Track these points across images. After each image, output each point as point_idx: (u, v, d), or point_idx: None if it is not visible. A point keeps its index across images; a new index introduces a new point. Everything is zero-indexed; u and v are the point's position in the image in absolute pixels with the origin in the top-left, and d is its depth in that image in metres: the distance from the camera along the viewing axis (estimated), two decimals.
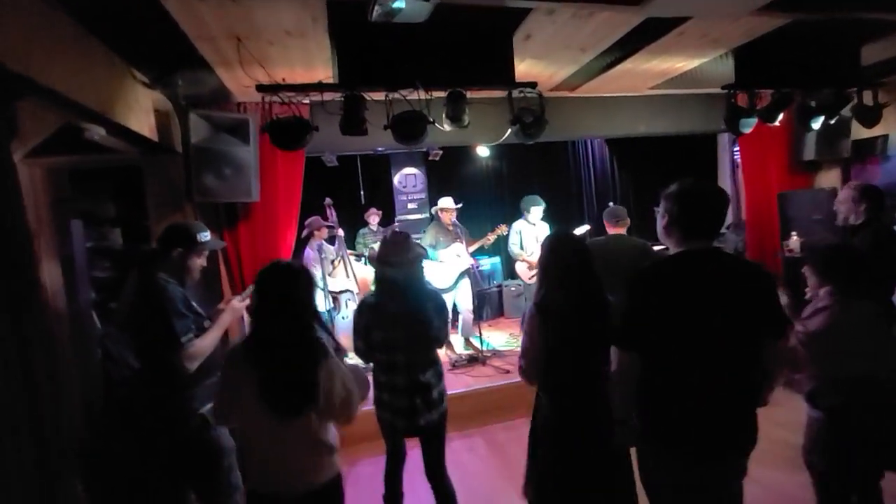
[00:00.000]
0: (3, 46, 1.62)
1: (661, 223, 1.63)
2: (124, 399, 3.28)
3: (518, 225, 5.11)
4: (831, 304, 1.94)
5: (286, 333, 1.59)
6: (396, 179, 7.06)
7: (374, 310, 2.25)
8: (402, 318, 2.20)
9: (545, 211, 5.08)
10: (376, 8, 1.79)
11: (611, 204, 5.27)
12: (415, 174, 7.09)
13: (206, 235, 2.19)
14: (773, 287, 1.56)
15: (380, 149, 4.91)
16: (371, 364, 2.37)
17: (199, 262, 2.19)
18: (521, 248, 5.09)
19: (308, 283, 1.69)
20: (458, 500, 2.40)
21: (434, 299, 2.32)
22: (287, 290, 1.62)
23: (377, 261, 2.29)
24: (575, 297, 1.92)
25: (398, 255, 2.21)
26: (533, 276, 5.03)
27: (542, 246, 2.06)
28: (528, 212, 5.00)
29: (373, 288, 2.68)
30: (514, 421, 3.90)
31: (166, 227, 2.20)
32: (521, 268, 5.19)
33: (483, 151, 6.77)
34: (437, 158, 6.49)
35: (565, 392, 1.97)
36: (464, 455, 3.54)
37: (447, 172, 7.03)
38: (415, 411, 2.23)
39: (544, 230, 5.08)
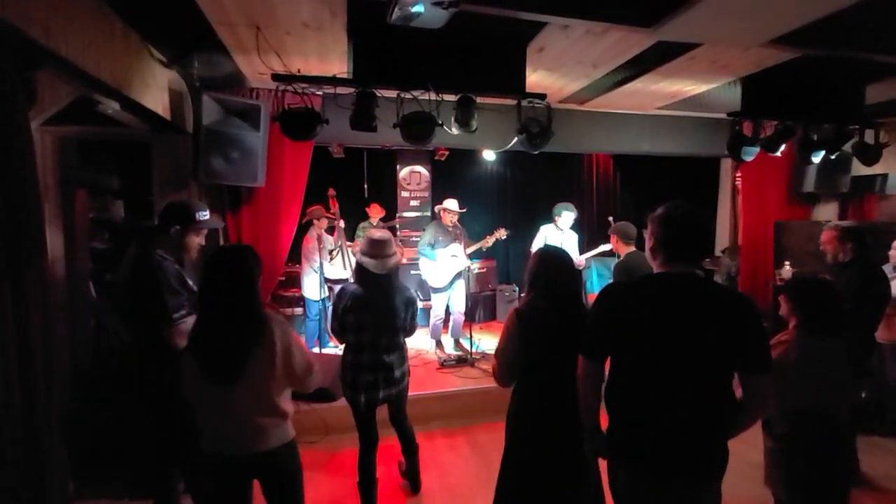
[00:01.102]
0: (24, 15, 1.66)
1: (647, 245, 1.67)
2: (113, 370, 3.32)
3: (546, 229, 5.08)
4: (793, 338, 1.99)
5: (224, 308, 1.71)
6: (401, 176, 7.09)
7: (350, 295, 2.52)
8: (373, 305, 2.49)
9: (575, 220, 5.05)
10: (396, 11, 1.83)
11: (611, 219, 5.33)
12: (420, 172, 7.13)
13: (204, 214, 2.23)
14: (756, 319, 1.53)
15: (387, 145, 4.95)
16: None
17: (198, 240, 2.23)
18: None
19: (251, 264, 1.77)
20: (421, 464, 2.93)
21: (403, 293, 2.61)
22: (231, 270, 1.74)
23: (360, 252, 2.56)
24: (557, 307, 2.00)
25: (378, 250, 2.50)
26: None
27: (533, 257, 2.14)
28: (560, 216, 4.95)
29: None
30: (498, 423, 3.88)
31: (166, 204, 2.25)
32: None
33: (489, 156, 6.81)
34: (444, 158, 6.56)
35: (538, 395, 2.02)
36: (444, 454, 3.59)
37: (452, 173, 7.07)
38: (375, 387, 2.53)
39: (572, 238, 5.05)
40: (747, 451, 2.12)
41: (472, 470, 3.34)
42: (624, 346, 1.56)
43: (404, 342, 2.69)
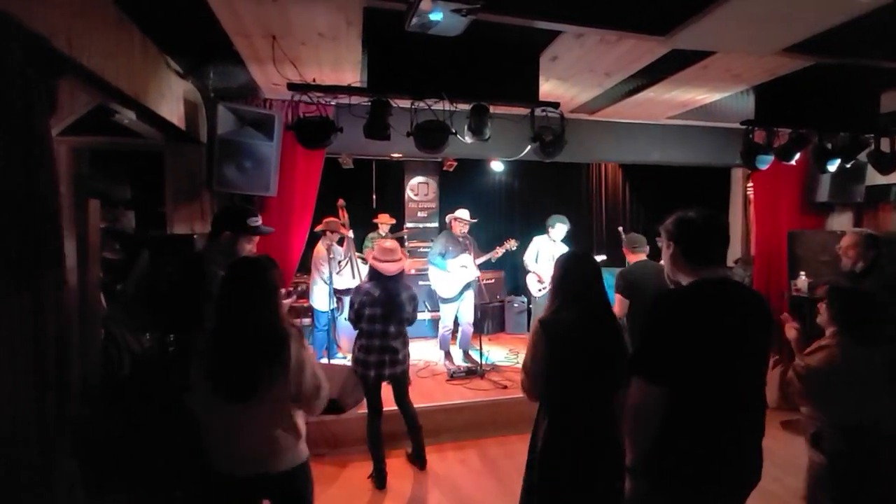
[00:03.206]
0: (49, 23, 1.67)
1: (667, 253, 1.60)
2: (122, 380, 3.30)
3: (539, 240, 5.12)
4: (833, 345, 1.95)
5: (241, 323, 1.66)
6: (409, 187, 7.10)
7: (365, 291, 3.14)
8: (383, 300, 3.10)
9: (567, 231, 5.10)
10: (414, 18, 1.83)
11: (620, 229, 5.32)
12: (427, 183, 7.14)
13: (256, 220, 2.22)
14: (770, 317, 1.55)
15: (395, 155, 4.97)
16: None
17: (249, 247, 2.22)
18: (536, 261, 5.12)
19: (270, 276, 1.73)
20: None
21: (408, 291, 3.24)
22: (250, 282, 1.69)
23: (373, 257, 3.17)
24: (585, 317, 1.88)
25: (388, 256, 3.14)
26: (542, 290, 5.07)
27: (557, 263, 2.02)
28: (553, 228, 5.00)
29: None
30: (509, 437, 3.88)
31: (219, 209, 2.24)
32: (531, 280, 5.20)
33: (497, 166, 6.81)
34: (452, 169, 6.57)
35: (566, 413, 1.89)
36: (455, 467, 3.53)
37: (460, 184, 7.07)
38: (383, 365, 3.13)
39: (563, 250, 5.03)
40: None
41: (484, 484, 3.28)
42: (686, 365, 1.42)
43: (406, 330, 3.28)
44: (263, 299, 1.68)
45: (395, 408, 3.34)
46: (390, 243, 3.19)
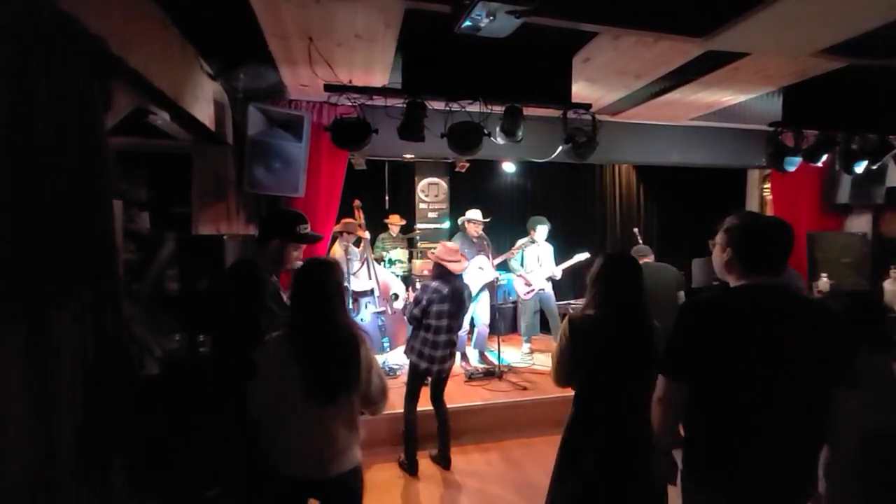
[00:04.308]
0: (107, 27, 1.67)
1: (721, 257, 1.57)
2: (145, 380, 3.29)
3: (522, 243, 5.21)
4: None
5: (324, 324, 1.67)
6: (419, 187, 7.09)
7: (434, 289, 3.25)
8: (452, 297, 3.24)
9: (551, 231, 5.22)
10: (466, 21, 1.83)
11: (636, 230, 5.35)
12: (438, 184, 7.13)
13: (305, 227, 2.17)
14: (845, 330, 1.47)
15: (407, 156, 4.97)
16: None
17: (296, 253, 2.18)
18: (522, 265, 5.18)
19: (339, 276, 1.76)
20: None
21: (467, 287, 3.46)
22: (323, 283, 1.70)
23: (439, 257, 3.31)
24: (613, 315, 1.89)
25: (454, 256, 3.32)
26: (528, 293, 5.18)
27: (597, 262, 2.03)
28: (535, 230, 5.11)
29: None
30: (532, 438, 3.88)
31: (266, 215, 2.22)
32: (517, 283, 5.27)
33: (509, 167, 6.78)
34: (464, 170, 6.55)
35: (600, 413, 1.92)
36: (482, 467, 3.52)
37: (471, 185, 7.05)
38: (445, 359, 3.29)
39: (547, 250, 5.24)
40: None
41: (511, 487, 3.27)
42: (714, 364, 1.45)
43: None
44: (339, 300, 1.70)
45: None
46: (452, 244, 3.47)
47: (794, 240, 1.58)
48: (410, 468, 3.32)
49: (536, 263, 5.18)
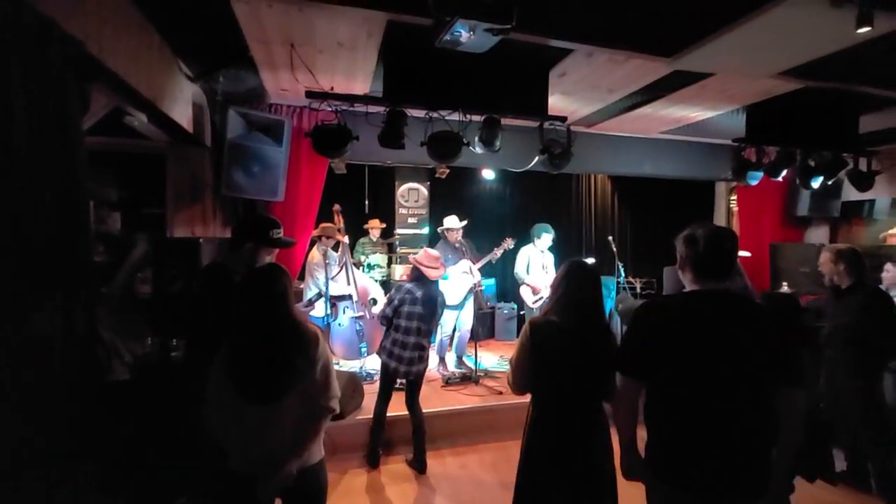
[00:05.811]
0: (84, 29, 1.66)
1: (678, 264, 1.72)
2: (114, 385, 3.21)
3: (527, 250, 5.20)
4: None
5: (263, 325, 1.71)
6: (399, 192, 7.11)
7: (408, 290, 3.34)
8: (425, 300, 3.33)
9: (553, 240, 5.21)
10: (446, 36, 1.89)
11: (610, 238, 5.48)
12: (418, 189, 7.17)
13: (278, 232, 2.21)
14: (791, 334, 1.60)
15: (388, 161, 5.00)
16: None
17: (269, 258, 2.20)
18: (527, 272, 5.18)
19: (286, 280, 1.79)
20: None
21: (441, 295, 3.54)
22: (266, 288, 1.74)
23: (418, 263, 3.41)
24: (574, 321, 1.96)
25: (433, 262, 3.40)
26: (536, 301, 5.12)
27: (561, 269, 2.11)
28: (539, 238, 5.10)
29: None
30: (506, 442, 3.93)
31: (240, 220, 2.23)
32: (525, 292, 5.26)
33: (488, 174, 6.87)
34: (444, 176, 6.61)
35: (549, 409, 1.99)
36: (456, 471, 3.56)
37: (450, 191, 7.09)
38: (413, 361, 3.35)
39: (550, 259, 5.21)
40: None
41: (485, 488, 3.31)
42: (665, 363, 1.57)
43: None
44: (279, 303, 1.73)
45: (391, 415, 3.46)
46: (434, 251, 3.59)
47: (737, 248, 1.70)
48: (371, 460, 3.46)
49: (542, 271, 5.18)
